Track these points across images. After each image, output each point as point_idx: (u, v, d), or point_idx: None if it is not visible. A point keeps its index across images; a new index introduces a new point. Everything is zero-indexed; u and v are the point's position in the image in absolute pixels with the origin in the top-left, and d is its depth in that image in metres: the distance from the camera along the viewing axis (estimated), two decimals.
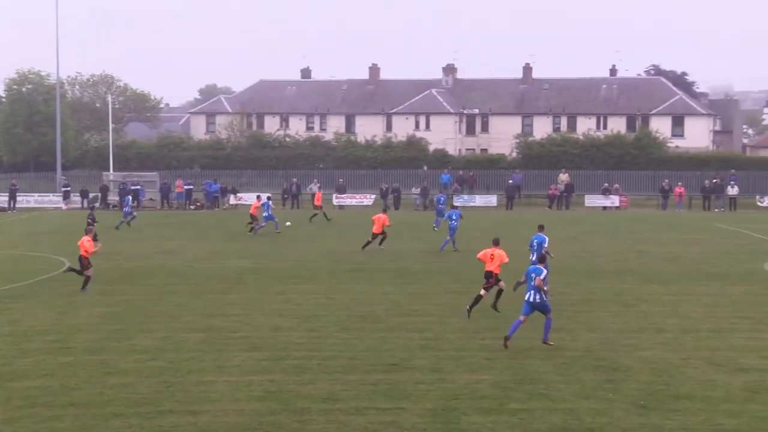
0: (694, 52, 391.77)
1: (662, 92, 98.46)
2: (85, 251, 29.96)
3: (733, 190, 71.21)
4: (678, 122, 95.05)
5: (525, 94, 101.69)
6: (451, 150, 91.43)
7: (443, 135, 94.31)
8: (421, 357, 20.52)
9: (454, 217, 41.78)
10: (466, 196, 72.96)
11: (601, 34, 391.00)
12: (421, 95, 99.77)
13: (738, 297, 28.92)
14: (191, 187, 73.50)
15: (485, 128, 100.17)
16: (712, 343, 21.95)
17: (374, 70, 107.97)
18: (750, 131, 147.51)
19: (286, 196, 72.81)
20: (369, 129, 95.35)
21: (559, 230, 50.01)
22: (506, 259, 25.87)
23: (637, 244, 44.33)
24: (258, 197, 54.21)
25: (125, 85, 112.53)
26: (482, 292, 25.50)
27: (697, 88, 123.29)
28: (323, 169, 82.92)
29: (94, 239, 32.57)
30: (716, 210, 69.64)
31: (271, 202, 52.45)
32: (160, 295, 29.11)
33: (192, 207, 71.76)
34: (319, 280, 32.38)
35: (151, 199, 73.98)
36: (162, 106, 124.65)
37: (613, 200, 71.47)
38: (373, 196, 72.80)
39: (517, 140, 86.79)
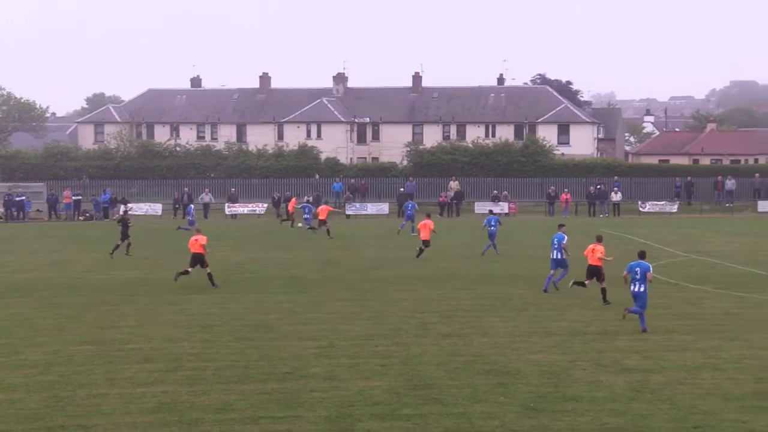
0: (578, 62, 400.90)
1: (548, 101, 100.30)
2: None
3: (616, 196, 72.95)
4: (563, 130, 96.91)
5: (415, 103, 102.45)
6: (343, 158, 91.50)
7: (335, 144, 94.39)
8: (316, 365, 20.52)
9: (492, 223, 43.11)
10: (357, 205, 73.14)
11: (489, 45, 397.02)
12: (312, 104, 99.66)
13: (622, 300, 29.55)
14: (80, 197, 72.02)
15: (376, 137, 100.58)
16: (599, 345, 22.46)
17: (265, 79, 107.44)
18: (632, 139, 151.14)
19: (177, 205, 71.86)
20: (260, 138, 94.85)
21: (449, 237, 50.57)
22: (603, 254, 29.43)
23: (526, 250, 45.05)
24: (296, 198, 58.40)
25: (8, 93, 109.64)
26: (598, 281, 29.02)
27: (582, 97, 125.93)
28: (215, 178, 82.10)
29: None
30: (601, 215, 71.21)
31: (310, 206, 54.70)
32: (48, 308, 28.45)
33: (81, 218, 70.28)
34: (212, 290, 32.07)
35: (38, 210, 72.15)
36: (48, 115, 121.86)
37: (502, 207, 72.47)
38: (265, 205, 72.47)
39: (408, 148, 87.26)
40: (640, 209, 72.84)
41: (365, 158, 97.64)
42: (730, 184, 76.77)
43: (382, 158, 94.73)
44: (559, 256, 31.70)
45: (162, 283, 33.95)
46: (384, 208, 72.55)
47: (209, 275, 32.92)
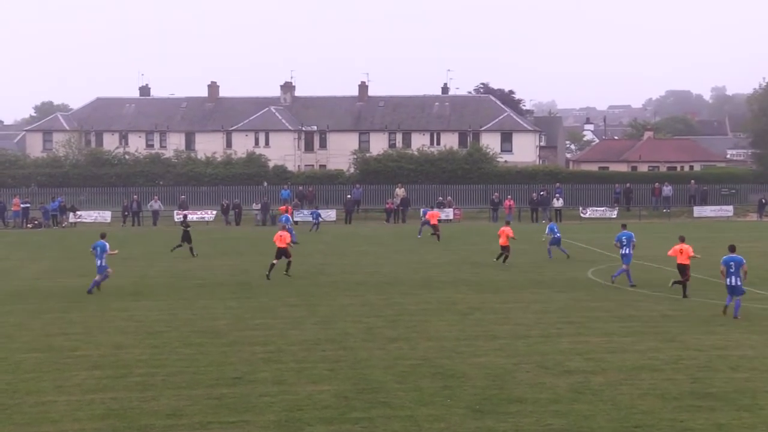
0: (520, 72, 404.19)
1: (491, 110, 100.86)
2: None
3: (558, 202, 73.59)
4: (506, 138, 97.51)
5: (361, 112, 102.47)
6: (291, 166, 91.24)
7: (282, 151, 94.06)
8: (264, 370, 20.39)
9: (555, 230, 44.33)
10: (305, 211, 72.93)
11: (433, 54, 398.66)
12: (260, 113, 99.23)
13: (564, 303, 29.87)
14: (28, 205, 71.02)
15: (323, 145, 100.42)
16: (542, 348, 22.59)
17: (213, 88, 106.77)
18: (572, 147, 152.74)
19: (126, 213, 71.18)
20: (209, 146, 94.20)
21: (395, 243, 50.65)
22: (692, 253, 31.14)
23: (471, 255, 45.25)
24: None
25: None
26: (682, 278, 30.84)
27: (524, 106, 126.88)
28: (164, 186, 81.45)
29: None
30: (543, 221, 71.70)
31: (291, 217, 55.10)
32: None
33: (29, 225, 69.29)
34: (161, 297, 31.79)
35: None
36: None
37: (447, 213, 72.76)
38: (214, 212, 72.02)
39: (355, 156, 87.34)
40: (581, 215, 73.56)
41: (313, 166, 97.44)
42: (667, 190, 77.82)
43: (330, 166, 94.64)
44: (628, 251, 34.24)
45: (110, 290, 33.53)
46: (332, 214, 72.47)
47: (289, 263, 36.88)
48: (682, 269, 31.09)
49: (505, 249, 41.27)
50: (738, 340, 23.52)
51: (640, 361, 21.07)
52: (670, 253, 31.76)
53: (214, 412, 17.09)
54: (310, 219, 55.40)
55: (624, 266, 34.49)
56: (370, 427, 16.15)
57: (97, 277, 33.11)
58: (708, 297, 30.88)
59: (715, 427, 16.11)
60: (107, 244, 33.60)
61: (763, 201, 74.58)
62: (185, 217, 55.39)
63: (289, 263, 37.16)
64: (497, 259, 41.27)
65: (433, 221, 54.06)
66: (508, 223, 43.82)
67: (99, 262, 32.91)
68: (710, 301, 29.93)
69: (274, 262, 36.87)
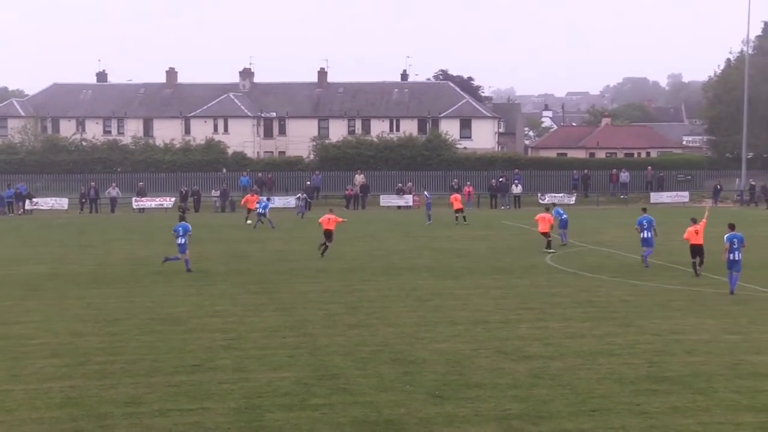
0: (479, 59, 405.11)
1: (450, 96, 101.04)
2: None
3: (517, 189, 73.93)
4: (465, 125, 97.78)
5: (321, 98, 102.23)
6: (250, 153, 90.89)
7: (242, 138, 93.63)
8: (224, 357, 20.31)
9: (561, 212, 44.27)
10: (265, 198, 72.61)
11: (393, 41, 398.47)
12: (218, 99, 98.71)
13: (523, 289, 30.02)
14: None
15: (283, 131, 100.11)
16: (501, 333, 22.68)
17: (171, 73, 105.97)
18: (531, 133, 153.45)
19: (83, 200, 70.54)
20: (167, 132, 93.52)
21: (355, 229, 50.63)
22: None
23: (430, 242, 45.33)
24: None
25: None
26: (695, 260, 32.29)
27: (483, 92, 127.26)
28: (122, 172, 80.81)
29: None
30: (502, 207, 72.08)
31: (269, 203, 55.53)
32: None
33: None
34: (119, 284, 31.52)
35: None
36: None
37: (407, 200, 72.86)
38: (173, 199, 71.54)
39: (314, 143, 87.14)
40: (540, 201, 73.83)
41: (272, 152, 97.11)
42: (624, 176, 78.48)
43: (289, 152, 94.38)
44: (649, 235, 35.09)
45: (68, 277, 33.25)
46: (291, 201, 72.23)
47: (327, 247, 38.87)
48: (698, 249, 32.15)
49: (546, 235, 40.71)
50: (694, 325, 23.78)
51: (598, 346, 21.23)
52: (685, 236, 32.65)
53: (173, 400, 17.00)
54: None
55: (647, 250, 35.19)
56: (330, 414, 16.15)
57: (180, 255, 34.49)
58: (665, 282, 31.19)
59: (672, 409, 16.29)
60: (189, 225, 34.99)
61: (718, 187, 75.44)
62: (184, 207, 55.02)
63: (327, 246, 38.96)
64: (547, 248, 40.29)
65: (457, 205, 55.11)
66: (548, 209, 43.03)
67: (181, 240, 34.28)
68: (667, 287, 30.24)
69: (327, 243, 38.96)
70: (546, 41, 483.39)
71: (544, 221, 41.08)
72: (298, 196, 65.21)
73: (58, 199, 72.27)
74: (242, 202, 60.35)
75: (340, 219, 40.90)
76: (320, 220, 40.20)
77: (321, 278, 32.69)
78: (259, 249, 42.70)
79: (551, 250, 40.09)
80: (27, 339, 22.35)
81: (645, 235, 35.19)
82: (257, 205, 55.10)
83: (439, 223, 56.14)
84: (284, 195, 74.30)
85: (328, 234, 39.28)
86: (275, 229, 52.39)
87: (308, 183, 73.80)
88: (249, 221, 55.67)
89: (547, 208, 44.16)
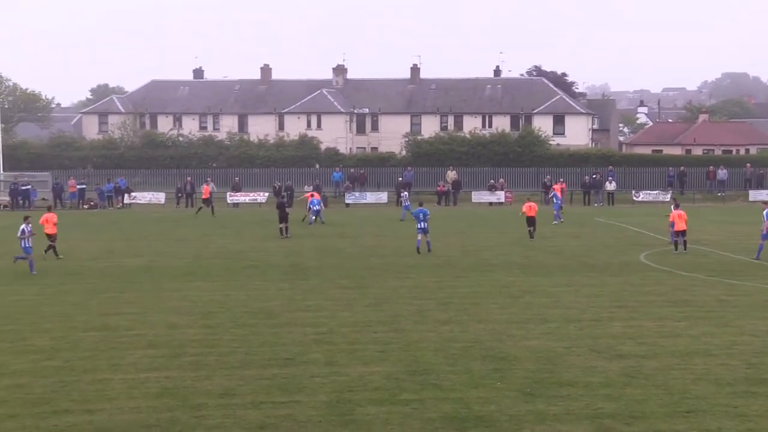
0: (573, 54, 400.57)
1: (544, 92, 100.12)
2: None
3: (610, 186, 72.95)
4: (559, 121, 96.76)
5: (413, 95, 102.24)
6: (342, 149, 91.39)
7: (334, 134, 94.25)
8: (316, 351, 20.49)
9: None
10: (357, 194, 73.08)
11: (486, 37, 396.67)
12: (312, 95, 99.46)
13: (616, 287, 29.62)
14: (84, 186, 71.97)
15: (375, 127, 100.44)
16: (593, 332, 22.43)
17: (266, 70, 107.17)
18: (625, 130, 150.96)
19: (180, 195, 71.86)
20: (261, 128, 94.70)
21: (447, 225, 50.58)
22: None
23: (522, 239, 44.98)
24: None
25: (14, 84, 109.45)
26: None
27: (576, 88, 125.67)
28: (217, 168, 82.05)
29: None
30: (595, 204, 71.20)
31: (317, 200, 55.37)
32: (54, 295, 28.42)
33: (85, 206, 70.24)
34: (215, 278, 32.02)
35: (43, 198, 72.03)
36: (53, 105, 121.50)
37: (499, 196, 72.49)
38: (267, 194, 72.38)
39: (406, 139, 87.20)
40: (634, 198, 72.86)
41: (364, 148, 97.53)
42: (722, 173, 76.77)
43: (381, 148, 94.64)
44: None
45: (165, 270, 33.92)
46: (383, 197, 72.48)
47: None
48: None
49: (682, 234, 38.99)
50: None
51: (694, 345, 20.84)
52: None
53: (265, 392, 17.22)
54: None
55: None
56: (420, 409, 16.17)
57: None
58: (765, 282, 30.43)
59: None
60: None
61: None
62: (283, 196, 55.84)
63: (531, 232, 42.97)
64: (677, 247, 38.80)
65: (531, 213, 45.29)
66: (677, 206, 41.03)
67: (422, 225, 38.58)
68: (767, 286, 29.50)
69: (531, 230, 42.97)
70: (642, 36, 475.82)
71: (682, 219, 39.05)
72: (403, 194, 63.16)
73: (155, 193, 73.75)
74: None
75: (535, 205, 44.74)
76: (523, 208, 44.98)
77: (413, 274, 32.73)
78: (350, 244, 42.93)
79: (680, 249, 38.60)
80: (125, 330, 22.89)
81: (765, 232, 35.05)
82: (310, 205, 55.00)
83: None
84: (376, 191, 74.52)
85: (529, 221, 44.07)
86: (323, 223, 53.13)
87: (400, 179, 73.87)
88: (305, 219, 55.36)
89: (677, 205, 41.50)
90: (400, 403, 16.49)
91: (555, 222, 53.30)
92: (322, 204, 56.18)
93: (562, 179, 73.64)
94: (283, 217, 45.88)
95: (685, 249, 38.39)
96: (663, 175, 78.11)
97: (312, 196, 56.38)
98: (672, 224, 39.25)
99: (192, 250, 40.66)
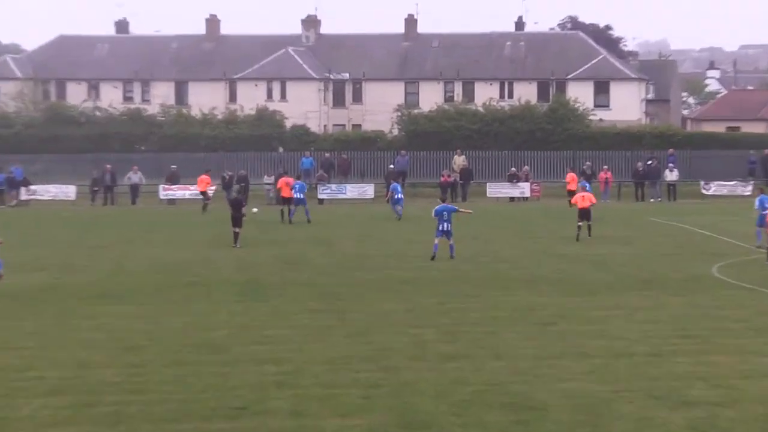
0: (620, 1, 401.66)
1: (582, 51, 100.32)
2: None
3: (672, 175, 73.04)
4: (602, 89, 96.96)
5: (408, 54, 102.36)
6: (315, 126, 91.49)
7: (304, 107, 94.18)
8: (278, 397, 20.36)
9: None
10: (334, 186, 72.96)
11: None
12: (274, 55, 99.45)
13: (680, 310, 29.59)
14: None
15: (358, 98, 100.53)
16: (650, 371, 22.36)
17: (213, 23, 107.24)
18: (691, 100, 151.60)
19: (96, 188, 71.59)
20: (207, 99, 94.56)
21: (455, 228, 50.42)
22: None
23: (554, 245, 44.99)
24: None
25: None
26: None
27: (625, 45, 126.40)
28: (146, 151, 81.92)
29: None
30: (651, 200, 71.35)
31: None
32: None
33: None
34: (141, 299, 31.89)
35: None
36: None
37: (523, 189, 72.51)
38: (214, 187, 72.06)
39: (399, 113, 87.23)
40: (704, 191, 73.02)
41: (344, 126, 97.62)
42: None
43: (366, 126, 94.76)
44: None
45: (75, 289, 33.75)
46: (368, 190, 72.41)
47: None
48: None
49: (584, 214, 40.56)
50: None
51: None
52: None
53: None
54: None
55: None
56: None
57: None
58: None
59: None
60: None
61: None
62: (239, 192, 55.75)
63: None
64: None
65: (584, 204, 47.21)
66: (762, 190, 42.72)
67: (445, 226, 39.93)
68: None
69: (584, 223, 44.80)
70: None
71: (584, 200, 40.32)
72: (393, 186, 63.72)
73: (63, 186, 73.46)
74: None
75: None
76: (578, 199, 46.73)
77: (408, 293, 32.68)
78: (324, 253, 42.86)
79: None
80: (20, 371, 22.68)
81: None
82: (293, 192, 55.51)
83: (564, 220, 55.67)
84: (359, 182, 74.44)
85: (584, 214, 46.18)
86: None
87: (391, 167, 73.82)
88: (255, 209, 55.39)
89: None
90: None
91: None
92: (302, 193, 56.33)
93: (606, 166, 73.78)
94: (237, 220, 45.71)
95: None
96: (742, 160, 78.25)
97: (288, 184, 56.64)
98: None
99: (111, 263, 40.50)
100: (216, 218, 57.66)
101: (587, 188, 51.62)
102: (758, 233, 42.98)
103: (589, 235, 46.54)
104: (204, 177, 66.08)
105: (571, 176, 66.81)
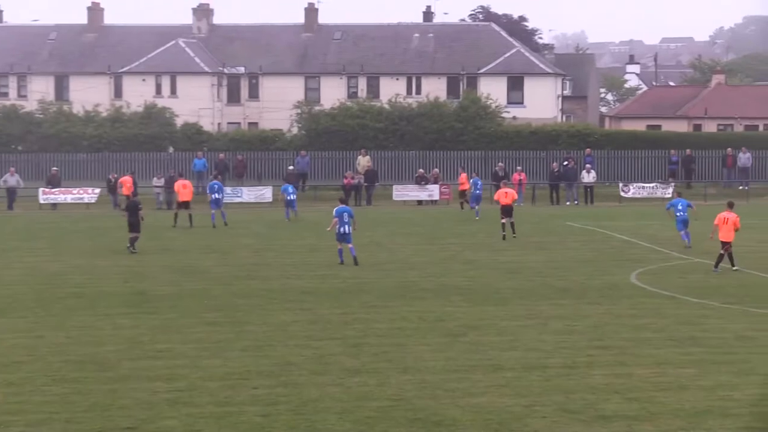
0: None
1: (494, 44, 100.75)
2: None
3: (589, 176, 73.65)
4: (516, 84, 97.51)
5: (309, 47, 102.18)
6: (208, 124, 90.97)
7: (196, 103, 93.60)
8: (170, 416, 20.37)
9: (680, 207, 46.22)
10: (229, 189, 72.61)
11: None
12: (162, 48, 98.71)
13: (597, 320, 29.96)
14: None
15: (254, 94, 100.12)
16: (565, 383, 22.67)
17: (96, 12, 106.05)
18: (609, 97, 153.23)
19: None
20: (90, 95, 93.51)
21: (358, 233, 50.60)
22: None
23: (464, 252, 45.27)
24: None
25: None
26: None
27: (540, 38, 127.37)
28: (23, 152, 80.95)
29: None
30: (567, 203, 71.85)
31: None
32: None
33: None
34: (20, 312, 31.57)
35: None
36: None
37: (431, 192, 72.72)
38: (98, 191, 71.47)
39: (299, 110, 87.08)
40: (622, 194, 73.68)
41: (239, 124, 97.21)
42: (744, 158, 78.16)
43: (263, 124, 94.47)
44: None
45: None
46: (266, 193, 72.21)
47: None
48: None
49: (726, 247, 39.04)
50: None
51: (706, 402, 21.22)
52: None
53: None
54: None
55: None
56: None
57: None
58: None
59: None
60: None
61: None
62: (134, 194, 55.11)
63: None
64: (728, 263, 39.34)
65: (505, 201, 50.25)
66: (731, 206, 40.46)
67: (345, 229, 40.38)
68: None
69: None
70: None
71: (728, 226, 39.08)
72: (285, 188, 64.51)
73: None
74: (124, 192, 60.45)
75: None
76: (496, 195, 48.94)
77: (309, 303, 32.75)
78: (219, 262, 42.75)
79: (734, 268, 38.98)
80: None
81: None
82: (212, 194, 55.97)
83: (476, 224, 56.08)
84: (256, 184, 74.20)
85: (507, 210, 49.02)
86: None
87: (290, 168, 73.75)
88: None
89: (731, 204, 41.41)
90: None
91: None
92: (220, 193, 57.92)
93: (519, 167, 74.34)
94: (134, 225, 45.67)
95: (732, 265, 38.90)
96: (663, 161, 79.29)
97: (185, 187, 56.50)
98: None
99: None
100: (99, 225, 57.36)
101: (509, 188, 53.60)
102: (684, 236, 45.59)
103: (514, 233, 48.47)
104: (126, 179, 64.97)
105: (463, 176, 68.26)
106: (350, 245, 41.01)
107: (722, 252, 38.81)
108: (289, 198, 58.57)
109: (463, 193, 66.78)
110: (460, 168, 72.76)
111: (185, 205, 55.64)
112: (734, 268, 38.64)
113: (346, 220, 41.04)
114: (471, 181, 64.46)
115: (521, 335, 27.85)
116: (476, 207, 60.91)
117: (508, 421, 19.95)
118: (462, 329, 28.65)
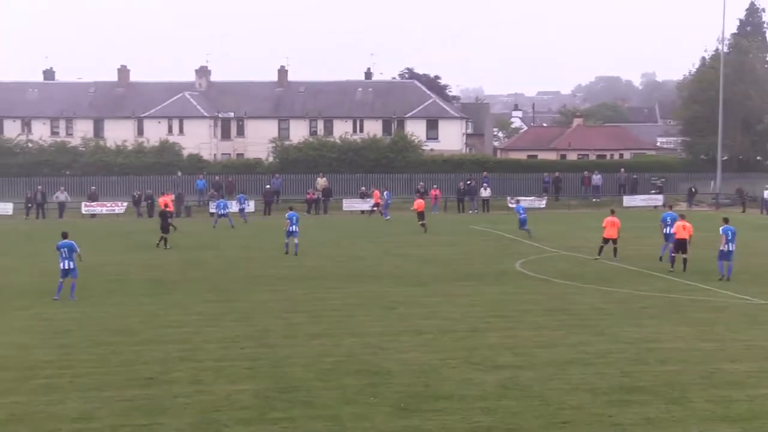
0: (446, 56, 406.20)
1: (416, 96, 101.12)
2: None
3: (486, 192, 74.08)
4: (432, 125, 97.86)
5: (281, 98, 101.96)
6: (206, 155, 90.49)
7: (198, 140, 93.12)
8: (180, 369, 20.24)
9: (521, 212, 50.80)
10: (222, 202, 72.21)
11: (357, 38, 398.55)
12: (173, 98, 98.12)
13: (493, 296, 30.14)
14: None
15: (241, 132, 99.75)
16: (469, 343, 22.77)
17: (123, 72, 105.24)
18: (500, 134, 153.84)
19: (30, 205, 69.85)
20: (119, 134, 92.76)
21: (317, 235, 50.58)
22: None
23: (395, 247, 45.39)
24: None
25: None
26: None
27: (450, 91, 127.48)
28: (71, 175, 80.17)
29: None
30: (470, 211, 72.24)
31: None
32: None
33: None
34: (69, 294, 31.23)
35: None
36: None
37: (371, 204, 72.76)
38: (125, 204, 71.01)
39: (274, 144, 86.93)
40: (510, 205, 74.06)
41: (230, 155, 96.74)
42: (596, 179, 78.94)
43: (248, 154, 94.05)
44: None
45: (13, 288, 32.97)
46: (251, 206, 71.90)
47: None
48: (681, 245, 34.95)
49: (612, 242, 39.19)
50: (668, 333, 24.00)
51: (570, 355, 21.38)
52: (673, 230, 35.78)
53: (125, 415, 16.91)
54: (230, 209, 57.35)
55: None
56: (291, 428, 16.14)
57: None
58: (639, 289, 31.45)
59: (645, 421, 16.45)
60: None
61: (693, 190, 76.00)
62: (167, 204, 53.96)
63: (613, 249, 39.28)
64: (600, 254, 39.33)
65: (420, 208, 55.62)
66: (613, 212, 40.97)
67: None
68: (641, 293, 30.49)
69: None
70: (516, 39, 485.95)
71: (613, 227, 39.33)
72: (239, 197, 66.29)
73: (2, 203, 71.50)
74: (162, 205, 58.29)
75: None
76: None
77: (282, 286, 32.65)
78: (214, 256, 42.55)
79: (613, 256, 39.11)
80: None
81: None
82: (217, 208, 55.67)
83: (403, 227, 56.16)
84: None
85: (421, 215, 53.03)
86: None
87: (267, 186, 73.57)
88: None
89: (613, 210, 41.98)
90: (269, 422, 16.43)
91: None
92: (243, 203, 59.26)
93: (435, 185, 74.65)
94: (165, 227, 46.06)
95: (599, 255, 39.34)
96: (538, 180, 79.91)
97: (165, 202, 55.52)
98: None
99: (44, 266, 39.53)
100: (127, 230, 56.94)
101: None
102: (528, 231, 49.42)
103: (425, 232, 51.46)
104: (164, 198, 58.57)
105: (376, 193, 70.01)
106: (296, 240, 41.86)
107: (603, 245, 39.48)
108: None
109: (377, 205, 68.34)
110: (373, 187, 73.49)
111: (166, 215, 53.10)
112: (596, 258, 39.07)
113: (294, 222, 41.90)
114: (384, 194, 68.55)
115: (437, 308, 27.94)
116: (388, 214, 64.70)
117: (428, 371, 20.00)
118: (394, 304, 28.69)
